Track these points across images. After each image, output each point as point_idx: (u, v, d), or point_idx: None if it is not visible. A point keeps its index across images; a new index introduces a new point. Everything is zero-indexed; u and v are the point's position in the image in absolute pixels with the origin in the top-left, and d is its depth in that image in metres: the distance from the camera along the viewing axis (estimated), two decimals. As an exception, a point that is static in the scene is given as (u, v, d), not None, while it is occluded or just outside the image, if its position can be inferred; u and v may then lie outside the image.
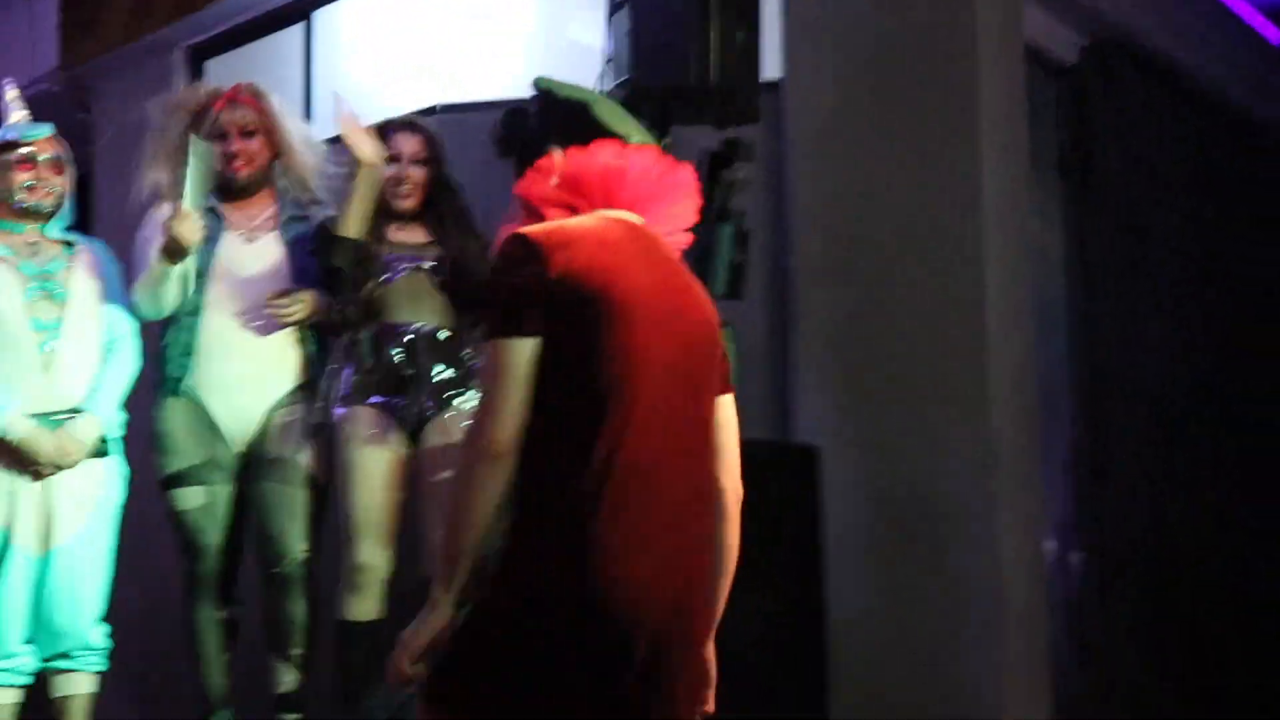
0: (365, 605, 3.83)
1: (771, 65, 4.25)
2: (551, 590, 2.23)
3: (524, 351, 2.24)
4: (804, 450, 3.86)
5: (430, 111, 5.11)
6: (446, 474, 3.73)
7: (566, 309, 2.27)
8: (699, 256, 3.81)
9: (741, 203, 3.98)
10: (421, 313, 3.94)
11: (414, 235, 3.99)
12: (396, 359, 3.92)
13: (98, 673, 3.77)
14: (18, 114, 3.83)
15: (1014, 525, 4.05)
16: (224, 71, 5.96)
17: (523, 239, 2.27)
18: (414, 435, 3.92)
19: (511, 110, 2.86)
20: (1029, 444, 4.32)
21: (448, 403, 3.89)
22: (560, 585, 2.22)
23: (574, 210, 2.41)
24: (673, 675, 2.34)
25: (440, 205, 4.05)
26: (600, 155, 2.45)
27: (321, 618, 4.00)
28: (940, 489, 3.96)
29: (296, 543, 3.94)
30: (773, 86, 4.30)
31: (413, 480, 3.93)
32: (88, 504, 3.84)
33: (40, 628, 3.73)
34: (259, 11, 6.02)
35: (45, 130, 3.84)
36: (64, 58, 6.46)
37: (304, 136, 4.16)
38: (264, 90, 4.13)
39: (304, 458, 3.96)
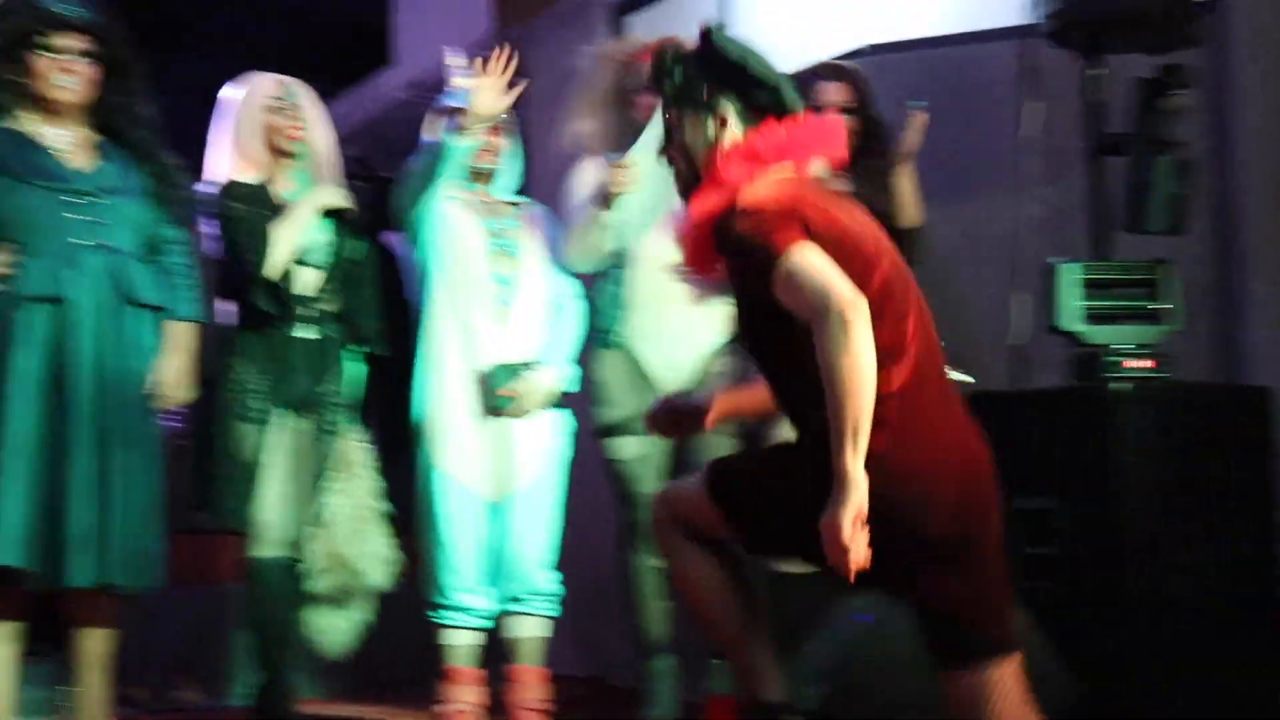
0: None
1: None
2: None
3: (818, 250, 2.56)
4: (1258, 392, 3.78)
5: (857, 54, 5.09)
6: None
7: (854, 239, 2.65)
8: (1134, 190, 3.96)
9: (1180, 132, 3.90)
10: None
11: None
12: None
13: (549, 617, 3.96)
14: (461, 80, 4.01)
15: None
16: (644, 25, 6.10)
17: (778, 210, 2.65)
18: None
19: (674, 54, 2.99)
20: None
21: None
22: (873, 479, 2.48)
23: (757, 170, 2.76)
24: (979, 563, 2.64)
25: (867, 154, 4.07)
26: (789, 129, 2.80)
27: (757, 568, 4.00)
28: None
29: (731, 491, 3.95)
30: (1207, 7, 4.22)
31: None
32: (542, 454, 4.04)
33: (495, 572, 3.95)
34: (690, -34, 6.16)
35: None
36: (499, 22, 6.72)
37: None
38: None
39: (740, 407, 3.96)
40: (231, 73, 4.10)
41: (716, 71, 2.87)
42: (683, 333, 4.08)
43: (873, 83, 4.31)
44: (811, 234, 2.62)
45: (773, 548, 3.00)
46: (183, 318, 3.68)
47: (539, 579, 3.95)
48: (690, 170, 2.85)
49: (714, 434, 3.91)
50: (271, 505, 3.79)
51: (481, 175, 4.07)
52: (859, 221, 2.77)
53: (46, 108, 3.61)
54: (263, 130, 3.95)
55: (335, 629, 3.97)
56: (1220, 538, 3.63)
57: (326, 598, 3.93)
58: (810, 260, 2.55)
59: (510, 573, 3.94)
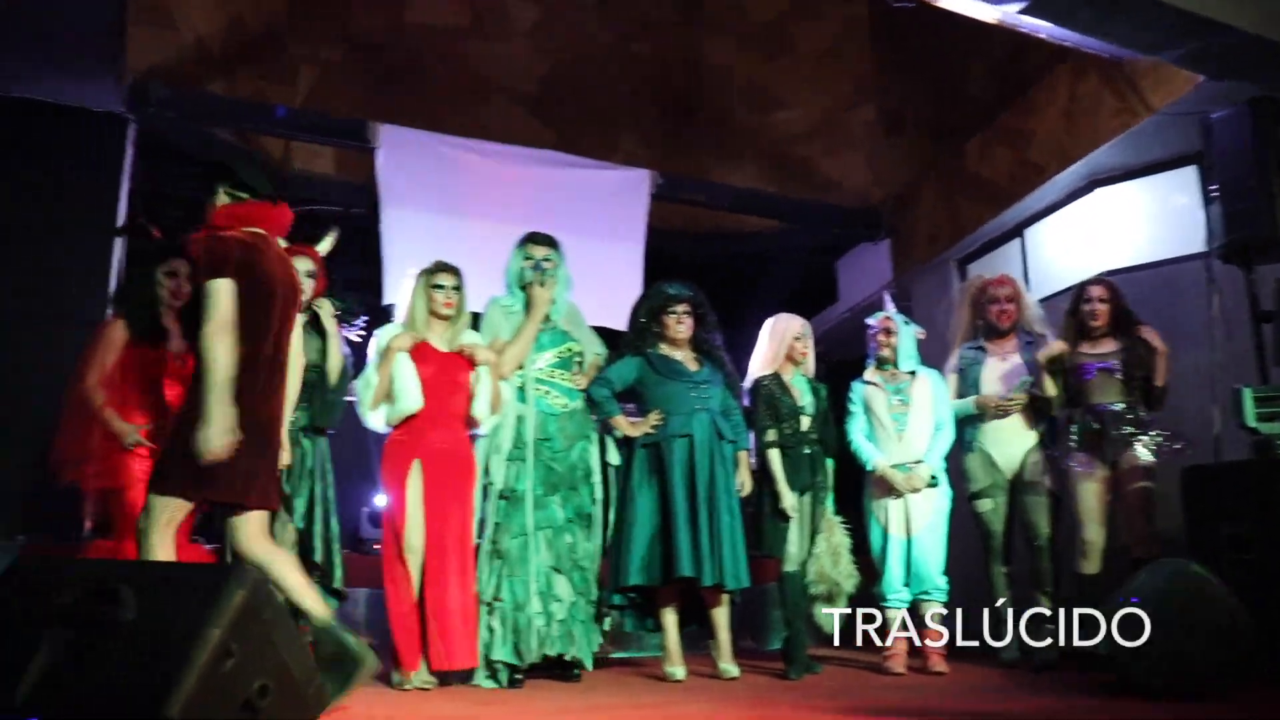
0: (1090, 565, 5.07)
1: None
2: (261, 416, 3.52)
3: (230, 288, 3.39)
4: None
5: (1106, 273, 6.13)
6: (1134, 486, 4.93)
7: (264, 275, 3.47)
8: (1278, 343, 4.84)
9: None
10: (1109, 396, 5.07)
11: (1102, 347, 5.14)
12: (1095, 425, 5.09)
13: (943, 602, 5.22)
14: (889, 308, 5.57)
15: None
16: (978, 268, 7.36)
17: (250, 240, 3.50)
18: (1111, 465, 4.99)
19: (218, 163, 3.76)
20: None
21: (1130, 445, 4.98)
22: (259, 415, 3.51)
23: (229, 224, 3.57)
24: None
25: (1123, 324, 5.09)
26: (263, 207, 3.63)
27: (1063, 572, 5.24)
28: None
29: (1044, 528, 5.33)
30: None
31: (1112, 490, 5.05)
32: (931, 510, 5.27)
33: (911, 577, 5.25)
34: (995, 233, 7.30)
35: (886, 313, 5.62)
36: (895, 272, 7.95)
37: (1032, 300, 5.59)
38: (1013, 277, 5.61)
39: (1047, 480, 5.31)
40: (766, 315, 5.60)
41: (218, 172, 3.68)
42: (1015, 438, 5.33)
43: (1116, 285, 5.20)
44: (240, 268, 3.39)
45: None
46: (742, 448, 5.15)
47: (936, 580, 5.19)
48: (205, 218, 3.61)
49: (1036, 495, 5.17)
50: (794, 544, 5.15)
51: (886, 360, 5.43)
52: (287, 279, 3.62)
53: (673, 342, 5.06)
54: (787, 347, 5.36)
55: (828, 616, 5.05)
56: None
57: (822, 597, 5.13)
58: (222, 294, 3.33)
59: (918, 577, 5.21)
